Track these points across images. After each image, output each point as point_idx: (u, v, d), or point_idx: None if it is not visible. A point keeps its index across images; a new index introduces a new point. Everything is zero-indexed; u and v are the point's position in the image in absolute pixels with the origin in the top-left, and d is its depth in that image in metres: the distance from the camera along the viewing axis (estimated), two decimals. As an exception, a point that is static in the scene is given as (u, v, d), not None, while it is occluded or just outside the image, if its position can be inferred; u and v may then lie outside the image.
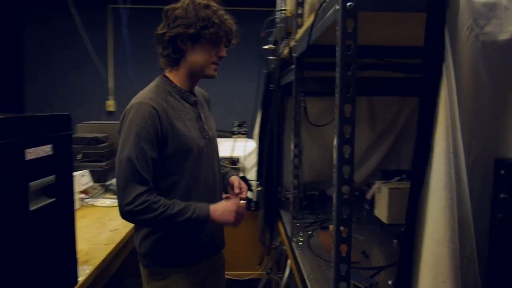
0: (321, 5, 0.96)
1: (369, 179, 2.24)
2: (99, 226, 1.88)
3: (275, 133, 2.03)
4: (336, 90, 0.82)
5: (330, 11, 0.88)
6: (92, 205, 2.22)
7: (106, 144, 2.48)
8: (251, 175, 2.73)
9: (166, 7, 1.31)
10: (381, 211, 1.58)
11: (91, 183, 2.35)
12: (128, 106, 1.28)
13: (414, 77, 1.88)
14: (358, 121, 2.17)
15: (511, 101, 0.81)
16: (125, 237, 1.78)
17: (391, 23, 1.04)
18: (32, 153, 1.07)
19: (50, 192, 1.16)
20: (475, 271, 0.79)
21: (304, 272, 1.27)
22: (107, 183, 2.42)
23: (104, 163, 2.39)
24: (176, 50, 1.30)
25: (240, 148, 2.89)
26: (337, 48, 0.81)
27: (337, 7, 0.79)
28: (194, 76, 1.36)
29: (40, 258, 1.14)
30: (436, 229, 0.76)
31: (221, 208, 1.28)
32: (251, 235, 2.79)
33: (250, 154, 2.91)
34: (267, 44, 2.54)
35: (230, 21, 1.33)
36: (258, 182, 2.50)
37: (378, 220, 1.73)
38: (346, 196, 0.83)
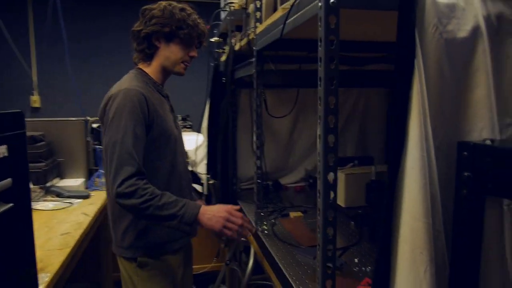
0: (295, 1, 1.00)
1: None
2: (48, 231, 1.75)
3: (230, 126, 2.04)
4: (320, 83, 0.86)
5: (309, 7, 0.92)
6: (34, 209, 2.05)
7: (44, 143, 2.29)
8: (201, 168, 2.71)
9: (143, 7, 1.42)
10: (338, 196, 1.67)
11: (30, 186, 2.16)
12: (112, 92, 1.32)
13: (358, 70, 2.04)
14: (309, 112, 2.29)
15: (467, 93, 0.92)
16: (79, 239, 1.68)
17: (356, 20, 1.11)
18: (-13, 155, 0.97)
19: (7, 197, 1.07)
20: (442, 242, 0.89)
21: (276, 259, 1.31)
22: (48, 184, 2.25)
23: (43, 163, 2.21)
24: (151, 46, 1.40)
25: (189, 142, 2.85)
26: (319, 43, 0.85)
27: (320, 4, 0.84)
28: (165, 72, 1.45)
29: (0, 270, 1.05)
30: (413, 205, 0.85)
31: (211, 212, 1.24)
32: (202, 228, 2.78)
33: (198, 148, 2.88)
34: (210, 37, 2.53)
35: (202, 25, 1.45)
36: (209, 176, 2.50)
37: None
38: (331, 182, 0.88)
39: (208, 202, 2.66)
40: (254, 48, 1.51)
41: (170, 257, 1.40)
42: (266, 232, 1.56)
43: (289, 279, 1.18)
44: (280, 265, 1.26)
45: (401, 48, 0.86)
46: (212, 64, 2.61)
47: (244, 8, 2.15)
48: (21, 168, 1.18)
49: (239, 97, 2.24)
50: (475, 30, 0.89)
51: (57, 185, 2.31)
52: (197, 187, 2.86)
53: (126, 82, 1.34)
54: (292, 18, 1.04)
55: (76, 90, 3.25)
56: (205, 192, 2.71)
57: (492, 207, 0.87)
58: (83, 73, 4.18)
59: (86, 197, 2.25)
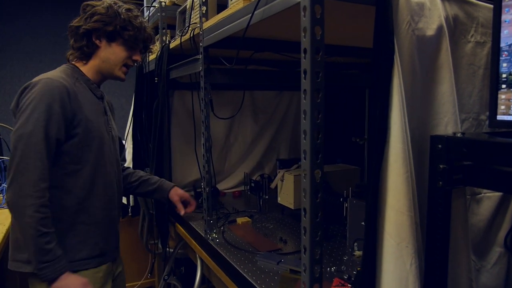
0: (266, -9, 0.94)
1: (256, 170, 2.33)
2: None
3: (165, 130, 1.89)
4: (304, 76, 0.82)
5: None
6: None
7: None
8: (126, 178, 2.48)
9: (85, 3, 1.30)
10: (286, 198, 1.66)
11: None
12: (31, 81, 1.17)
13: (289, 72, 2.07)
14: (243, 115, 2.25)
15: (433, 88, 0.97)
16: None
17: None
18: None
19: None
20: (420, 234, 0.91)
21: (237, 267, 1.23)
22: None
23: None
24: (90, 45, 1.29)
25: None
26: (303, 34, 0.81)
27: (304, -7, 0.80)
28: (102, 74, 1.34)
29: None
30: (397, 199, 0.85)
31: (65, 283, 1.13)
32: (130, 243, 2.55)
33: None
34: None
35: (149, 30, 1.38)
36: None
37: (277, 207, 1.82)
38: (318, 180, 0.84)
39: (135, 213, 2.46)
40: (200, 44, 1.42)
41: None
42: (217, 240, 1.46)
43: (257, 287, 1.11)
44: (244, 274, 1.18)
45: (380, 43, 0.86)
46: (136, 65, 2.42)
47: (176, 5, 2.05)
48: None
49: (172, 99, 2.10)
50: (440, 29, 0.94)
51: None
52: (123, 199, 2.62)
53: (51, 73, 1.23)
54: (261, 9, 0.98)
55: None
56: (132, 203, 2.50)
57: (458, 197, 0.91)
58: None
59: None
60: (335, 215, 1.52)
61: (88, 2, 1.30)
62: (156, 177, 1.64)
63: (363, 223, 1.31)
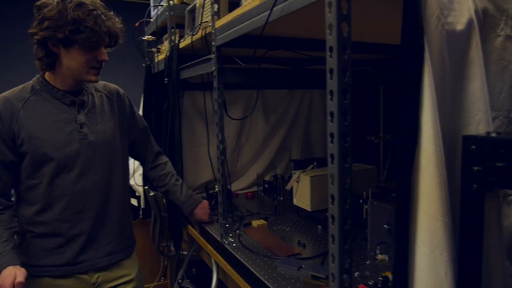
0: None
1: (268, 170, 2.29)
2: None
3: (176, 131, 1.86)
4: (330, 75, 0.77)
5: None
6: None
7: None
8: (136, 180, 2.45)
9: (36, 3, 1.19)
10: (303, 200, 1.61)
11: None
12: None
13: (302, 70, 2.02)
14: (254, 115, 2.21)
15: (464, 85, 0.92)
16: None
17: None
18: None
19: None
20: (455, 241, 0.87)
21: (256, 273, 1.19)
22: None
23: None
24: (49, 54, 1.21)
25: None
26: (328, 31, 0.77)
27: (329, -13, 0.75)
28: (73, 80, 1.28)
29: None
30: (429, 204, 0.80)
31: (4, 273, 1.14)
32: (141, 245, 2.52)
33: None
34: (134, 36, 2.31)
35: (109, 23, 1.22)
36: (146, 188, 2.27)
37: (292, 209, 1.78)
38: (347, 185, 0.80)
39: (146, 216, 2.43)
40: (213, 44, 1.38)
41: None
42: (234, 244, 1.43)
43: (279, 295, 1.07)
44: (264, 281, 1.14)
45: (408, 39, 0.81)
46: (144, 65, 2.39)
47: (184, 3, 2.01)
48: None
49: (181, 99, 2.06)
50: (470, 23, 0.89)
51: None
52: (132, 200, 2.59)
53: (8, 91, 1.28)
54: (280, 6, 0.93)
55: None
56: (142, 206, 2.47)
57: (492, 200, 0.86)
58: None
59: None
60: (354, 216, 1.48)
61: (38, 3, 1.20)
62: (183, 191, 1.66)
63: (385, 226, 1.28)
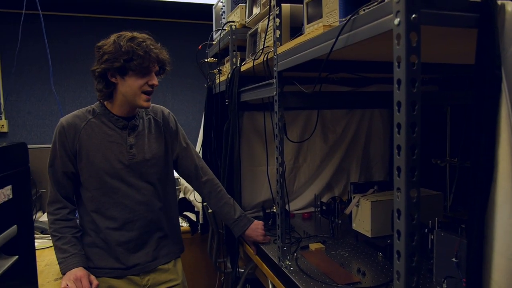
0: (352, 16, 0.90)
1: (325, 192, 2.26)
2: (39, 276, 1.51)
3: (235, 151, 1.91)
4: (398, 108, 0.76)
5: (375, 23, 0.83)
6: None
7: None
8: (196, 195, 2.53)
9: (97, 44, 1.42)
10: (362, 225, 1.57)
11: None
12: None
13: (361, 91, 1.99)
14: (313, 135, 2.20)
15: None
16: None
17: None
18: (-7, 200, 0.79)
19: (11, 247, 0.88)
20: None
21: (315, 301, 1.18)
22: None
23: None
24: (108, 84, 1.41)
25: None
26: (396, 63, 0.76)
27: (397, 19, 0.74)
28: (129, 106, 1.45)
29: None
30: (507, 245, 0.75)
31: (72, 275, 1.36)
32: (199, 260, 2.60)
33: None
34: (197, 58, 2.42)
35: (156, 51, 1.41)
36: (205, 204, 2.33)
37: (350, 233, 1.73)
38: (414, 200, 0.77)
39: (205, 231, 2.49)
40: (274, 69, 1.41)
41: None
42: (291, 268, 1.42)
43: (339, 326, 1.05)
44: (323, 309, 1.13)
45: (484, 69, 0.78)
46: (206, 86, 2.49)
47: (246, 27, 2.07)
48: (25, 212, 0.99)
49: (241, 120, 2.11)
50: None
51: (40, 220, 2.06)
52: (191, 215, 2.68)
53: (74, 112, 1.49)
54: (345, 35, 0.94)
55: (61, 113, 3.00)
56: (201, 221, 2.54)
57: None
58: (61, 96, 3.92)
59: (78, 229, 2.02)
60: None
61: (99, 43, 1.41)
62: (236, 210, 1.70)
63: (453, 259, 1.20)
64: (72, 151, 1.43)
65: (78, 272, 1.38)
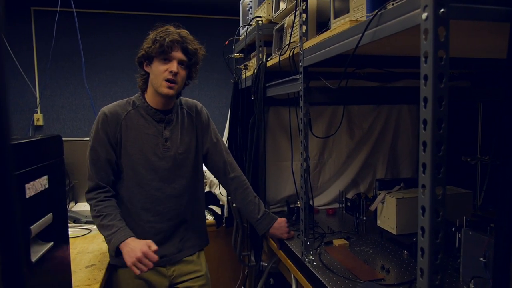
0: (379, 11, 0.89)
1: (351, 188, 2.25)
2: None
3: (261, 146, 1.92)
4: (424, 104, 0.75)
5: (402, 18, 0.82)
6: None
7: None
8: (222, 189, 2.57)
9: None
10: (387, 222, 1.56)
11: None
12: None
13: (388, 86, 1.95)
14: (338, 130, 2.18)
15: None
16: (106, 272, 1.53)
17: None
18: (31, 189, 0.84)
19: (47, 234, 0.93)
20: None
21: (338, 296, 1.18)
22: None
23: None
24: (143, 73, 1.51)
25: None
26: (423, 58, 0.75)
27: (425, 14, 0.73)
28: (158, 96, 1.49)
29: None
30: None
31: (131, 247, 1.35)
32: (224, 252, 2.64)
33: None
34: (223, 53, 2.44)
35: (174, 34, 1.43)
36: (230, 198, 2.37)
37: (375, 230, 1.72)
38: (440, 197, 0.75)
39: (229, 224, 2.53)
40: (300, 64, 1.41)
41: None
42: (314, 263, 1.43)
43: (361, 322, 1.05)
44: (346, 305, 1.13)
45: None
46: (232, 81, 2.51)
47: (272, 22, 2.07)
48: (60, 200, 1.05)
49: (266, 115, 2.12)
50: None
51: (73, 209, 2.16)
52: (216, 208, 2.72)
53: (114, 103, 1.53)
54: (371, 30, 0.93)
55: (92, 107, 3.12)
56: (226, 215, 2.58)
57: None
58: (93, 90, 4.05)
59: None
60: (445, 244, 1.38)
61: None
62: (260, 209, 1.70)
63: (481, 259, 1.18)
64: (114, 140, 1.47)
65: (136, 244, 1.34)
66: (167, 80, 1.44)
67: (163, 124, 1.52)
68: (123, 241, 1.36)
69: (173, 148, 1.52)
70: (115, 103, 1.53)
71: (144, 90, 1.53)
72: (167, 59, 1.43)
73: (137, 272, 1.32)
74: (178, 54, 1.44)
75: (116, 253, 1.39)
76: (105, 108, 1.50)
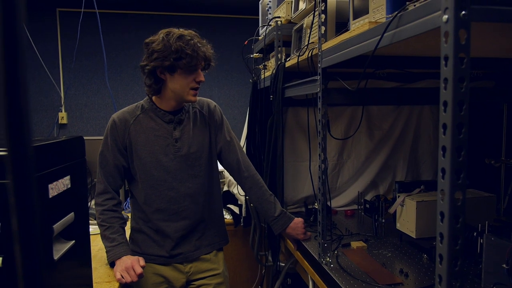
0: (398, 12, 0.88)
1: (369, 189, 2.22)
2: (92, 260, 1.63)
3: (279, 146, 1.92)
4: (444, 108, 0.73)
5: (421, 20, 0.80)
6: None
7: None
8: (240, 189, 2.59)
9: (145, 40, 1.46)
10: (407, 226, 1.53)
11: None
12: None
13: (409, 88, 1.91)
14: (357, 131, 2.16)
15: None
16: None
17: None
18: (54, 189, 0.86)
19: (69, 232, 0.96)
20: None
21: (354, 300, 1.17)
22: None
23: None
24: (157, 81, 1.46)
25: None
26: (443, 61, 0.73)
27: (445, 16, 0.72)
28: (176, 101, 1.51)
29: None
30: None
31: (123, 260, 1.42)
32: (241, 252, 2.65)
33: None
34: (243, 53, 2.45)
35: (203, 49, 1.45)
36: (248, 197, 2.37)
37: (394, 233, 1.70)
38: (459, 203, 0.74)
39: (247, 224, 2.54)
40: (319, 65, 1.40)
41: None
42: (332, 265, 1.42)
43: (378, 326, 1.04)
44: (362, 309, 1.12)
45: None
46: (251, 81, 2.52)
47: (291, 23, 2.07)
48: (82, 200, 1.08)
49: (285, 115, 2.12)
50: None
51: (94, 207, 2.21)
52: (234, 208, 2.74)
53: (124, 109, 1.56)
54: (391, 32, 0.92)
55: (114, 106, 3.18)
56: (244, 214, 2.59)
57: None
58: (115, 89, 4.13)
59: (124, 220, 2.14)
60: (466, 250, 1.35)
61: (148, 40, 1.44)
62: (277, 208, 1.69)
63: (504, 265, 1.14)
64: (123, 145, 1.51)
65: (127, 259, 1.43)
66: (193, 88, 1.47)
67: (173, 125, 1.53)
68: (119, 257, 1.44)
69: (184, 148, 1.53)
70: (124, 109, 1.57)
71: (154, 96, 1.54)
72: (194, 71, 1.46)
73: (122, 281, 1.38)
74: (203, 64, 1.48)
75: (111, 265, 1.49)
76: (115, 115, 1.54)
